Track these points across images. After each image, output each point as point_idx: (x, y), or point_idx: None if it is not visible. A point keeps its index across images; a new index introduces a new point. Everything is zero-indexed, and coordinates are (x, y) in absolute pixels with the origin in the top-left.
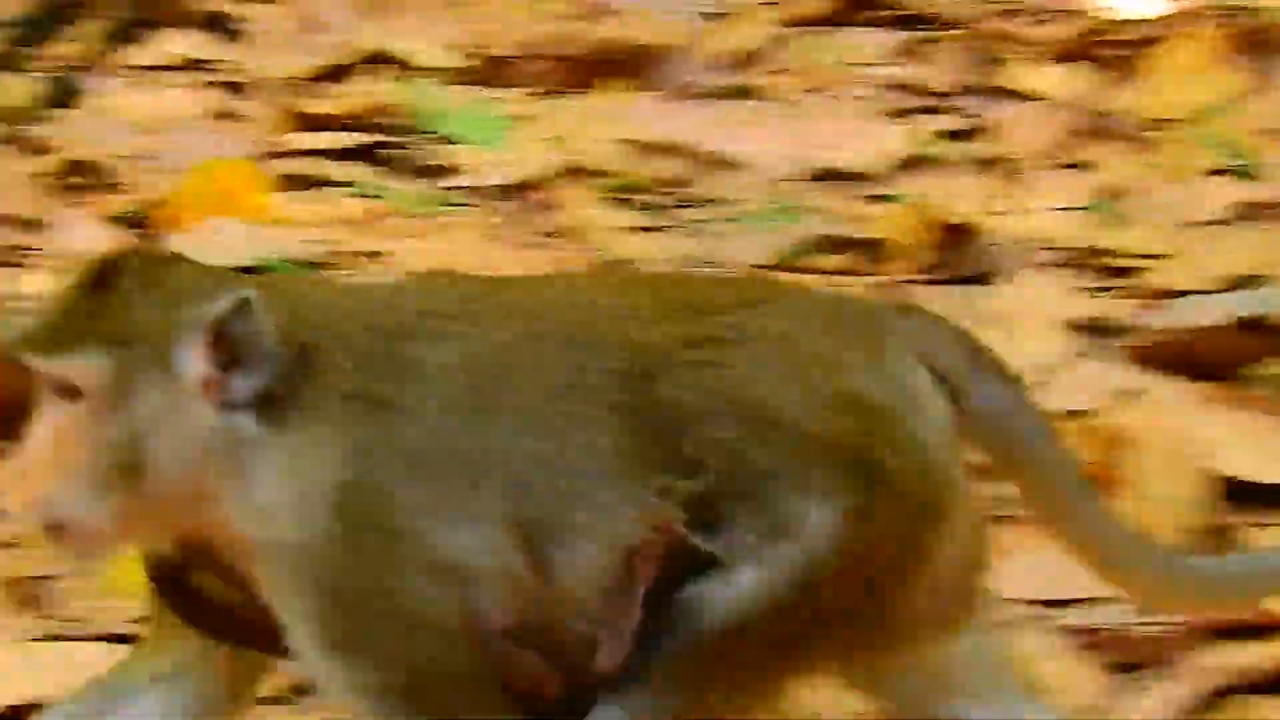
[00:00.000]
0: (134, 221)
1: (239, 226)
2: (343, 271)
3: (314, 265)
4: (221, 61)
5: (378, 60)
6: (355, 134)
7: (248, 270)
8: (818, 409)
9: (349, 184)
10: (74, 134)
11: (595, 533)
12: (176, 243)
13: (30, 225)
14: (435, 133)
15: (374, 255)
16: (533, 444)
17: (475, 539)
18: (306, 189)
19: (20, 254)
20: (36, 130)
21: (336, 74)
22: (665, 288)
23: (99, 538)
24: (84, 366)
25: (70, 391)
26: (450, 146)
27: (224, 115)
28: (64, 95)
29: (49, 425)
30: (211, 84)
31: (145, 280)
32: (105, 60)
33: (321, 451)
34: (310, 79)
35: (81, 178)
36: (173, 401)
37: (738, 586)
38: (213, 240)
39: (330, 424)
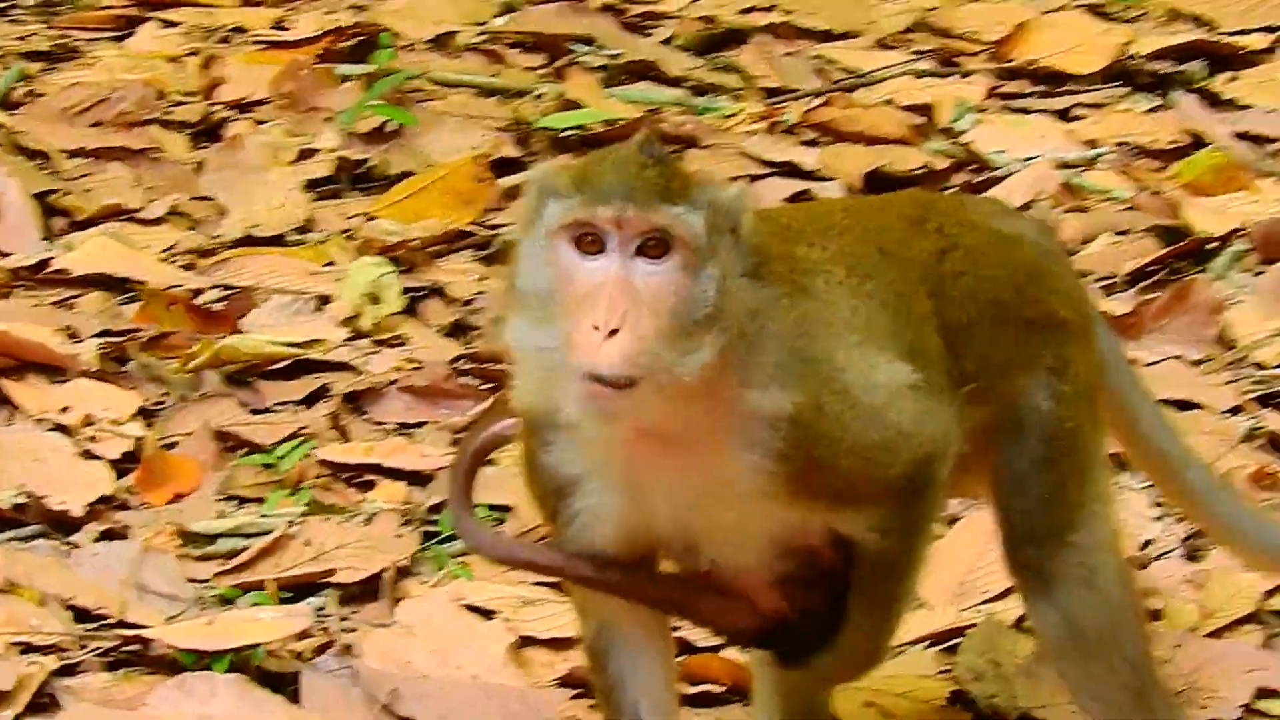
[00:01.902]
0: None
1: None
2: None
3: None
4: None
5: None
6: None
7: None
8: (1020, 293)
9: None
10: None
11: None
12: None
13: None
14: None
15: None
16: (896, 326)
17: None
18: None
19: None
20: None
21: None
22: (891, 208)
23: (655, 395)
24: (686, 220)
25: (659, 247)
26: None
27: None
28: None
29: (610, 285)
30: None
31: (670, 156)
32: None
33: (800, 326)
34: None
35: None
36: (734, 264)
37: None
38: None
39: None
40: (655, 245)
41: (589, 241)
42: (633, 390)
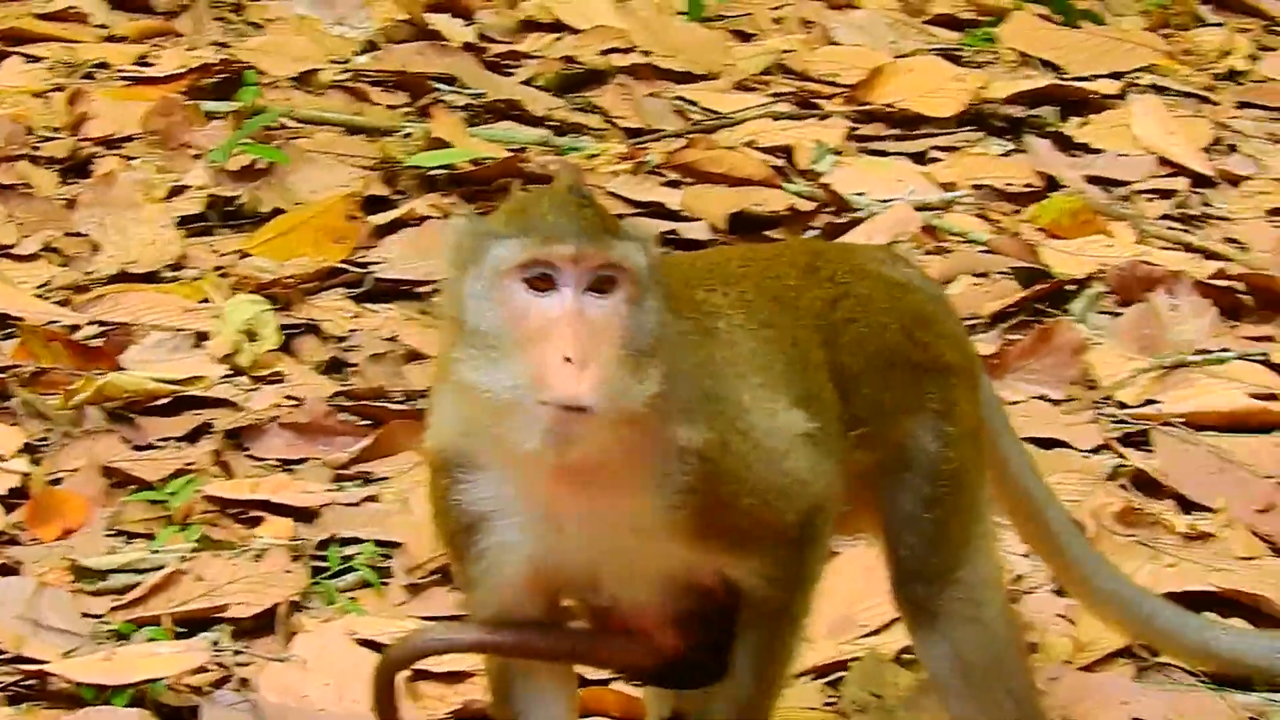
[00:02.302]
0: None
1: None
2: None
3: None
4: None
5: None
6: None
7: None
8: (909, 337)
9: None
10: None
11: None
12: None
13: None
14: None
15: None
16: (792, 374)
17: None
18: None
19: None
20: None
21: None
22: (784, 257)
23: (612, 424)
24: (633, 255)
25: (606, 282)
26: None
27: None
28: None
29: (568, 319)
30: None
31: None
32: None
33: (708, 365)
34: None
35: None
36: (659, 297)
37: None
38: None
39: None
40: (603, 281)
41: (540, 279)
42: (596, 418)
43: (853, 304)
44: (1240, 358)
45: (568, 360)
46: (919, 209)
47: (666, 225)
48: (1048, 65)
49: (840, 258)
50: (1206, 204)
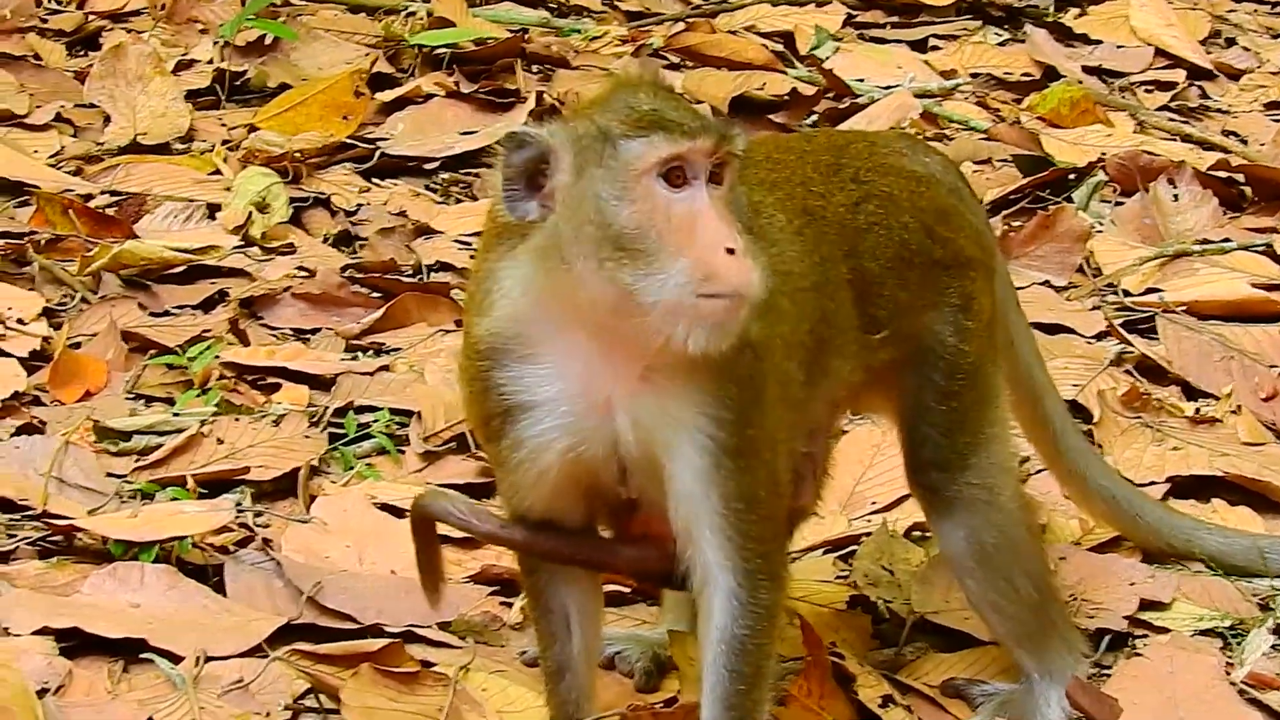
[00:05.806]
0: None
1: None
2: None
3: None
4: None
5: None
6: None
7: None
8: (930, 234)
9: None
10: None
11: (839, 372)
12: None
13: None
14: None
15: None
16: (821, 298)
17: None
18: None
19: None
20: None
21: None
22: (808, 156)
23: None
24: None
25: (720, 172)
26: None
27: None
28: None
29: (714, 210)
30: None
31: None
32: None
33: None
34: None
35: None
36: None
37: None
38: None
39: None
40: (718, 171)
41: (675, 175)
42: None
43: (874, 207)
44: (1242, 248)
45: (729, 252)
46: (919, 96)
47: None
48: None
49: (861, 153)
50: (1205, 96)
